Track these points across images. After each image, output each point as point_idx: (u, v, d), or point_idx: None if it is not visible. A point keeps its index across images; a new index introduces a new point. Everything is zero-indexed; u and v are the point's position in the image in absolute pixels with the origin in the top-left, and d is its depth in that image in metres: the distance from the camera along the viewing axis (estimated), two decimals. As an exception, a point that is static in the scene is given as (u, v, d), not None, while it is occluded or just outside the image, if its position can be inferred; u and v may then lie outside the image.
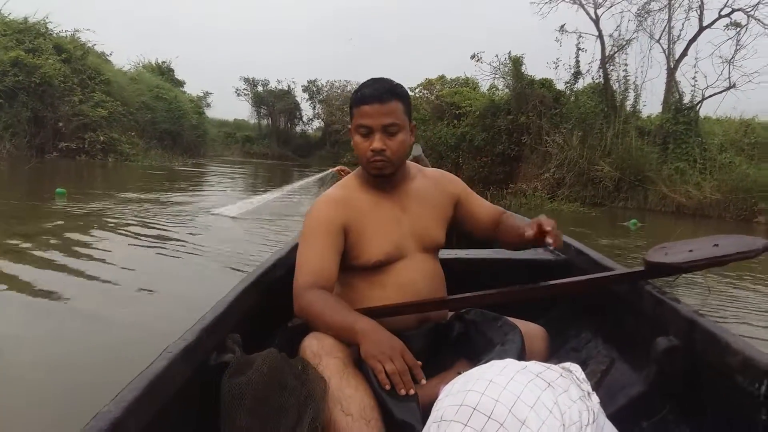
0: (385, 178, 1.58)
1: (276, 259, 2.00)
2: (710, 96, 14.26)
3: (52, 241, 4.07)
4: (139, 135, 17.06)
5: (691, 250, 1.50)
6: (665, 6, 14.97)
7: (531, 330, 1.62)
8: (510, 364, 0.87)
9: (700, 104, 14.31)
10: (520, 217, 1.89)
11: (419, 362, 1.29)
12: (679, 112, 14.14)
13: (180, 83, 27.69)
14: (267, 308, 1.80)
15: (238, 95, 36.93)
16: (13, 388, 1.96)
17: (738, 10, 14.25)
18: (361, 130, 1.50)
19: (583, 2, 15.23)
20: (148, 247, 4.34)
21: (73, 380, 2.01)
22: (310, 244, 1.51)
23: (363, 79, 1.57)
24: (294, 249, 2.16)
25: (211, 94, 35.63)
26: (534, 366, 0.88)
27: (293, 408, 1.18)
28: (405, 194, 1.64)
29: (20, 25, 15.07)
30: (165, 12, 78.42)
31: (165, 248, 4.34)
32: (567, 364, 0.93)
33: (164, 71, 26.42)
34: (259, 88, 36.80)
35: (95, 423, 0.88)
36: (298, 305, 1.46)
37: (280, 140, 36.17)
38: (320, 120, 36.89)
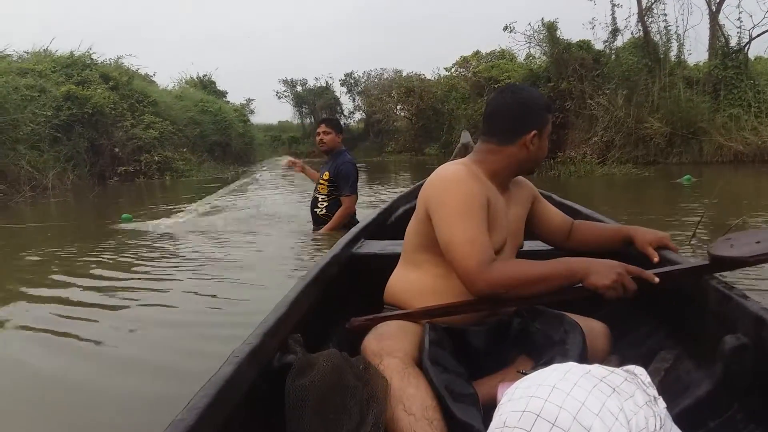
0: (512, 177, 1.70)
1: (331, 256, 2.03)
2: (758, 35, 13.58)
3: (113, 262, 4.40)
4: (191, 150, 17.70)
5: (758, 242, 1.48)
6: (702, -53, 14.31)
7: (592, 327, 1.61)
8: (573, 368, 0.85)
9: (748, 45, 13.67)
10: (594, 222, 2.00)
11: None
12: (727, 56, 13.56)
13: (222, 94, 28.38)
14: (325, 307, 1.83)
15: (279, 98, 37.59)
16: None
17: (780, -60, 13.46)
18: (552, 135, 1.71)
19: (615, -47, 14.68)
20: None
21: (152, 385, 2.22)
22: (472, 218, 1.45)
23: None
24: (349, 246, 2.30)
25: (253, 100, 36.41)
26: (598, 370, 0.86)
27: (356, 408, 1.20)
28: (509, 194, 1.70)
29: (67, 59, 15.86)
30: (197, 27, 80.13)
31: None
32: (631, 367, 0.91)
33: (206, 84, 27.16)
34: (299, 88, 37.29)
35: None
36: (487, 281, 1.38)
37: (325, 137, 36.54)
38: (361, 111, 37.07)
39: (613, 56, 14.86)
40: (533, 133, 1.59)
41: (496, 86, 17.96)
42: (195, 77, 27.44)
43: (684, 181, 8.49)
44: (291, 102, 37.60)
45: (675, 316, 1.75)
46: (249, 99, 36.02)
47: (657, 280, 1.40)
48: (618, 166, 12.09)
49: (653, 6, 14.36)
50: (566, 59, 15.04)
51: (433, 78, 27.34)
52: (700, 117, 12.78)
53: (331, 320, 1.84)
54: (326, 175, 4.85)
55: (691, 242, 4.00)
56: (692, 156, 12.67)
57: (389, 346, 1.38)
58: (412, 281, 1.63)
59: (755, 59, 14.67)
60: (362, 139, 35.66)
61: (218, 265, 4.11)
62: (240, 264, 4.14)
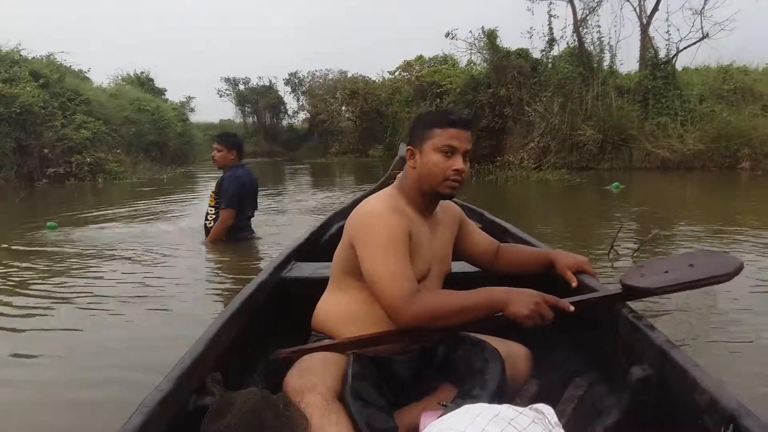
0: (438, 201, 1.67)
1: (258, 282, 1.96)
2: (685, 48, 14.40)
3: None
4: (126, 151, 17.09)
5: (666, 271, 1.55)
6: (633, -38, 14.98)
7: (514, 350, 1.65)
8: (483, 411, 0.88)
9: (675, 57, 14.45)
10: (519, 245, 2.05)
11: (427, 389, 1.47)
12: (656, 67, 14.24)
13: (161, 92, 27.59)
14: (252, 337, 1.77)
15: (221, 96, 36.87)
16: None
17: (705, -43, 14.27)
18: (445, 149, 1.56)
19: (552, -32, 15.17)
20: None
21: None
22: (393, 252, 1.47)
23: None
24: (278, 269, 2.20)
25: (193, 98, 35.48)
26: (506, 412, 0.89)
27: (275, 449, 1.15)
28: (435, 218, 1.71)
29: (-7, 55, 15.06)
30: (139, 21, 77.53)
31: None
32: (540, 406, 0.94)
33: (144, 82, 26.31)
34: (241, 87, 36.68)
35: None
36: (411, 314, 1.41)
37: (268, 136, 36.14)
38: (305, 112, 36.84)
39: (550, 65, 15.33)
40: (410, 149, 1.63)
41: (438, 91, 18.30)
42: (132, 74, 26.56)
43: (613, 189, 8.86)
44: (233, 101, 36.95)
45: (592, 340, 1.78)
46: (189, 97, 35.05)
47: (572, 308, 1.46)
48: (553, 171, 12.47)
49: (588, 18, 14.92)
50: (505, 66, 15.41)
51: (378, 80, 27.50)
52: (630, 125, 13.36)
53: (260, 350, 1.79)
54: (215, 189, 4.98)
55: (610, 255, 4.16)
56: (622, 162, 13.22)
57: (311, 381, 1.38)
58: (339, 308, 1.64)
59: (682, 70, 15.47)
60: (306, 140, 35.47)
61: (138, 286, 3.82)
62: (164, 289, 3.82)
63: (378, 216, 1.53)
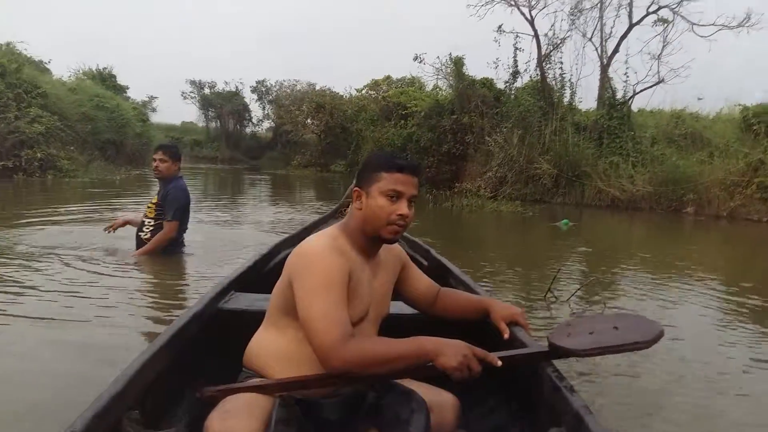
0: (381, 244, 1.68)
1: (192, 313, 1.91)
2: (641, 91, 14.90)
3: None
4: (80, 148, 16.66)
5: (592, 332, 1.60)
6: (596, 4, 15.54)
7: (442, 399, 1.66)
8: None
9: (631, 99, 14.92)
10: (458, 291, 2.08)
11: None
12: (613, 107, 14.68)
13: (123, 89, 27.06)
14: (181, 371, 1.72)
15: (185, 98, 36.39)
16: None
17: (664, 6, 14.94)
18: (391, 193, 1.59)
19: (518, 3, 15.61)
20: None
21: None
22: (330, 294, 1.47)
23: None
24: (216, 299, 2.14)
25: (156, 98, 34.96)
26: None
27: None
28: (377, 260, 1.72)
29: (-52, 42, 14.54)
30: (108, 14, 75.92)
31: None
32: None
33: (106, 78, 25.77)
34: (206, 91, 36.32)
35: None
36: (341, 359, 1.41)
37: (230, 142, 35.79)
38: (270, 121, 36.66)
39: (513, 96, 15.67)
40: (357, 191, 1.65)
41: (403, 112, 18.48)
42: (94, 69, 25.98)
43: (562, 225, 9.08)
44: (197, 104, 36.50)
45: (519, 395, 1.81)
46: (152, 96, 34.59)
47: (500, 363, 1.50)
48: (508, 202, 12.71)
49: (551, 54, 15.36)
50: (470, 94, 15.69)
51: (345, 96, 27.59)
52: (585, 162, 13.70)
53: (191, 386, 1.72)
54: (155, 200, 4.87)
55: (547, 298, 4.26)
56: (575, 198, 13.54)
57: (232, 426, 1.35)
58: (272, 346, 1.63)
59: (638, 111, 16.01)
60: (269, 149, 35.27)
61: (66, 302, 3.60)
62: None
63: (319, 256, 1.53)
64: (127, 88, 27.65)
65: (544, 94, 15.09)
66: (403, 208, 1.59)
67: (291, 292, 1.55)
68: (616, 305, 4.29)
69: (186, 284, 4.23)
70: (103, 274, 4.28)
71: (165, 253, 4.80)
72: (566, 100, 15.45)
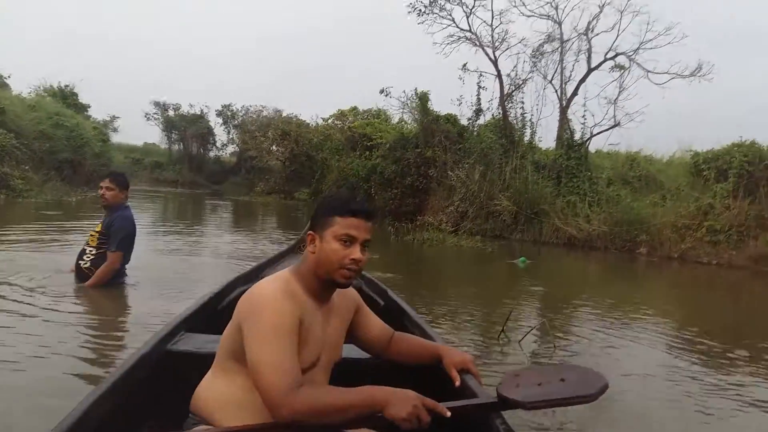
0: (334, 288, 1.66)
1: (139, 356, 1.85)
2: (598, 133, 15.43)
3: None
4: (36, 167, 16.23)
5: (540, 384, 1.63)
6: (557, 49, 16.13)
7: None
8: None
9: (588, 141, 15.43)
10: (411, 336, 2.06)
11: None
12: (571, 148, 15.14)
13: (84, 107, 26.60)
14: (127, 417, 1.68)
15: (148, 119, 35.94)
16: None
17: (621, 53, 15.58)
18: (344, 238, 1.58)
19: (482, 44, 16.09)
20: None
21: None
22: (280, 342, 1.45)
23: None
24: (165, 340, 2.07)
25: (118, 118, 34.45)
26: None
27: None
28: (330, 305, 1.71)
29: None
30: (71, 29, 74.80)
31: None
32: None
33: (67, 95, 25.33)
34: (171, 113, 35.97)
35: None
36: (290, 409, 1.39)
37: (193, 166, 35.37)
38: (235, 145, 36.44)
39: (475, 133, 16.02)
40: (311, 234, 1.65)
41: (368, 144, 18.65)
42: (56, 87, 25.52)
43: (519, 263, 9.23)
44: (161, 125, 36.07)
45: None
46: (113, 116, 34.05)
47: (449, 414, 1.50)
48: (468, 237, 12.87)
49: (513, 93, 15.82)
50: (434, 130, 15.97)
51: (311, 124, 27.70)
52: (543, 200, 14.02)
53: None
54: (99, 228, 4.75)
55: (500, 339, 4.32)
56: (533, 235, 13.80)
57: None
58: (219, 391, 1.60)
59: (595, 152, 16.56)
60: (233, 174, 34.98)
61: None
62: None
63: (269, 301, 1.51)
64: (89, 107, 27.23)
65: (506, 132, 15.48)
66: (356, 252, 1.59)
67: (240, 337, 1.53)
68: (568, 347, 4.37)
69: (134, 321, 4.00)
70: (41, 306, 4.02)
71: (105, 284, 4.63)
72: (527, 138, 15.93)
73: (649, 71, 15.45)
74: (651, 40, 15.26)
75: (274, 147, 29.08)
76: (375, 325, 1.94)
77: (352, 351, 1.98)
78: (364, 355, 2.00)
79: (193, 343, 2.14)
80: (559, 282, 8.71)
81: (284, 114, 31.19)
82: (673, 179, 14.09)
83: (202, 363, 1.72)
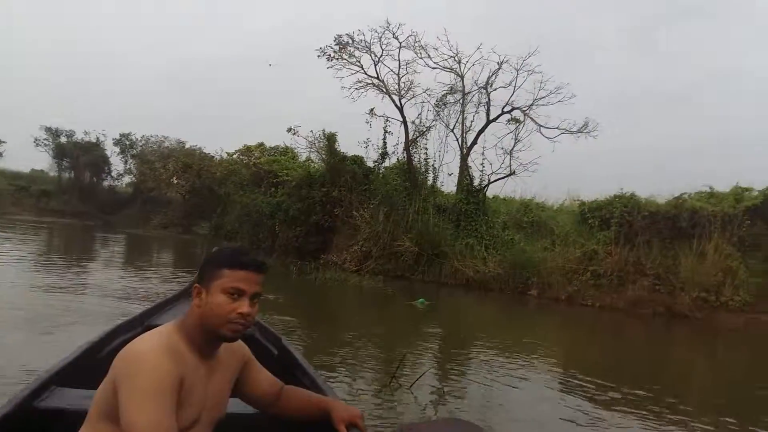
0: (220, 343, 1.60)
1: (2, 416, 1.70)
2: (495, 180, 16.26)
3: None
4: None
5: None
6: (459, 100, 16.95)
7: None
8: None
9: (486, 187, 16.20)
10: (301, 390, 2.01)
11: None
12: (470, 193, 15.85)
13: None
14: None
15: (38, 145, 33.63)
16: None
17: (517, 108, 16.61)
18: (232, 291, 1.53)
19: (389, 91, 16.60)
20: None
21: None
22: (157, 402, 1.38)
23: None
24: (32, 396, 1.87)
25: (3, 142, 32.09)
26: None
27: None
28: (215, 362, 1.64)
29: None
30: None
31: None
32: None
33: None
34: (63, 139, 33.90)
35: None
36: None
37: (84, 195, 33.34)
38: (132, 176, 34.85)
39: (381, 175, 16.39)
40: (197, 287, 1.60)
41: (274, 180, 18.52)
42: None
43: (418, 304, 9.43)
44: (51, 152, 33.86)
45: None
46: (-1, 141, 31.68)
47: None
48: (371, 277, 13.02)
49: (417, 139, 16.38)
50: (340, 170, 16.18)
51: (216, 157, 27.08)
52: (444, 241, 14.52)
53: None
54: None
55: (391, 385, 4.38)
56: (434, 275, 14.19)
57: None
58: None
59: (492, 198, 17.36)
60: (128, 206, 33.31)
61: None
62: None
63: (146, 359, 1.43)
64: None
65: (410, 175, 15.96)
66: (244, 306, 1.54)
67: (115, 396, 1.45)
68: (459, 391, 4.51)
69: None
70: None
71: None
72: (430, 182, 16.47)
73: (541, 125, 16.54)
74: (543, 97, 16.41)
75: (174, 179, 28.11)
76: (263, 379, 1.88)
77: (238, 405, 1.90)
78: (250, 410, 1.92)
79: (65, 399, 1.95)
80: (456, 324, 8.97)
81: (187, 146, 30.38)
82: (562, 226, 15.03)
83: (75, 421, 1.58)
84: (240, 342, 1.78)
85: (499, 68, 16.64)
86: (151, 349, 1.47)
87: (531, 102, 16.47)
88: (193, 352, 1.57)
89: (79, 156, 33.26)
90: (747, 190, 12.58)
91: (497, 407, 4.22)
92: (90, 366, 2.39)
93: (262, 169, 20.23)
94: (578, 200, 15.59)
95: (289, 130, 18.02)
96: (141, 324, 3.16)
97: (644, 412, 4.38)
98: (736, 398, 5.54)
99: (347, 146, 17.23)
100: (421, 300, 9.55)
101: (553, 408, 4.26)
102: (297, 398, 1.96)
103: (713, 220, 11.90)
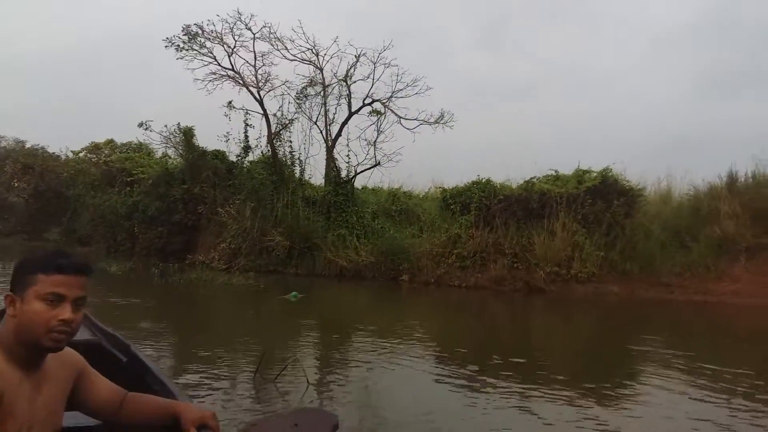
0: (45, 354, 1.48)
1: None
2: (361, 171, 16.42)
3: None
4: None
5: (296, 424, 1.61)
6: (320, 92, 16.88)
7: None
8: None
9: (353, 178, 16.35)
10: (147, 396, 1.90)
11: None
12: (338, 185, 15.92)
13: None
14: None
15: None
16: None
17: (377, 100, 16.88)
18: (50, 297, 1.41)
19: (246, 83, 16.13)
20: None
21: None
22: None
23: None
24: None
25: None
26: None
27: None
28: (42, 373, 1.52)
29: None
30: None
31: None
32: None
33: None
34: None
35: None
36: None
37: None
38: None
39: (245, 170, 15.94)
40: (10, 296, 1.48)
41: (129, 179, 17.34)
42: None
43: (291, 298, 9.32)
44: None
45: None
46: None
47: None
48: (241, 274, 12.66)
49: (281, 132, 16.13)
50: (201, 165, 15.53)
51: (61, 157, 24.80)
52: (315, 234, 14.49)
53: None
54: None
55: (255, 379, 4.31)
56: (307, 268, 14.12)
57: None
58: None
59: (361, 189, 17.55)
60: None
61: None
62: None
63: None
64: None
65: (276, 168, 15.69)
66: (65, 312, 1.45)
67: None
68: (324, 380, 4.53)
69: None
70: None
71: None
72: (297, 175, 16.27)
73: (401, 117, 16.93)
74: (401, 90, 16.80)
75: (15, 182, 25.38)
76: (102, 388, 1.78)
77: (78, 418, 1.81)
78: (92, 421, 1.84)
79: None
80: (329, 314, 9.00)
81: (28, 145, 27.49)
82: (428, 213, 15.59)
83: None
84: (71, 351, 1.69)
85: (357, 61, 16.76)
86: None
87: (390, 94, 16.79)
88: (12, 365, 1.45)
89: None
90: (587, 172, 13.78)
91: (369, 390, 4.28)
92: None
93: (113, 167, 18.86)
94: (441, 187, 16.22)
95: (141, 125, 16.95)
96: None
97: (515, 374, 4.70)
98: (589, 358, 6.11)
99: (207, 141, 16.58)
100: (294, 294, 9.43)
101: (429, 385, 4.40)
102: (142, 405, 1.85)
103: (560, 200, 12.95)
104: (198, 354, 5.03)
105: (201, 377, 4.33)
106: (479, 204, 13.71)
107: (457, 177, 18.08)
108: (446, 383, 4.48)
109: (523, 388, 4.39)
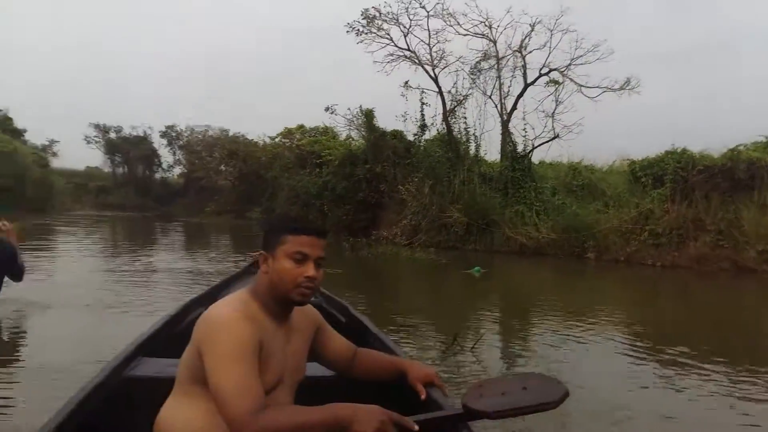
0: (292, 307, 1.64)
1: (94, 385, 1.78)
2: (539, 145, 15.89)
3: None
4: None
5: (503, 393, 1.68)
6: (493, 66, 16.58)
7: None
8: None
9: (531, 152, 15.86)
10: (375, 352, 2.08)
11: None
12: (515, 160, 15.56)
13: (20, 133, 25.66)
14: None
15: (89, 143, 34.89)
16: None
17: (555, 69, 16.17)
18: (297, 256, 1.57)
19: (422, 62, 16.40)
20: None
21: None
22: (241, 365, 1.44)
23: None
24: (121, 367, 1.99)
25: (57, 142, 33.33)
26: None
27: None
28: (290, 326, 1.68)
29: None
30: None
31: None
32: None
33: (1, 121, 24.40)
34: (112, 135, 35.02)
35: None
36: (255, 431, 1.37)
37: (139, 189, 34.49)
38: (182, 166, 35.75)
39: (422, 148, 16.29)
40: (263, 254, 1.64)
41: (317, 161, 18.68)
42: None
43: (474, 272, 9.44)
44: (102, 149, 35.08)
45: None
46: (52, 140, 32.91)
47: (416, 427, 1.51)
48: (422, 250, 13.07)
49: (455, 109, 16.16)
50: (381, 145, 16.18)
51: (259, 143, 27.50)
52: (493, 210, 14.40)
53: None
54: None
55: (454, 347, 4.44)
56: (485, 245, 14.12)
57: None
58: (183, 416, 1.57)
59: (539, 163, 17.04)
60: (182, 196, 34.23)
61: None
62: None
63: (227, 324, 1.48)
64: (25, 131, 26.28)
65: (451, 146, 15.80)
66: (310, 270, 1.58)
67: (200, 360, 1.49)
68: (521, 354, 4.54)
69: (87, 347, 3.91)
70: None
71: None
72: (472, 152, 16.21)
73: (581, 86, 16.08)
74: (581, 56, 15.92)
75: (222, 167, 28.72)
76: (338, 342, 1.94)
77: (316, 369, 1.96)
78: (328, 372, 1.99)
79: (152, 368, 2.07)
80: (513, 289, 8.96)
81: (231, 133, 30.90)
82: (614, 187, 14.66)
83: (162, 388, 1.67)
84: (311, 307, 1.85)
85: (532, 30, 16.23)
86: (229, 314, 1.52)
87: (569, 62, 16.03)
88: (268, 317, 1.61)
89: (129, 151, 34.35)
90: (806, 136, 11.99)
91: (565, 365, 4.22)
92: (170, 337, 2.56)
93: (304, 150, 20.44)
94: (628, 159, 15.13)
95: (327, 109, 18.10)
96: (212, 298, 3.28)
97: (720, 369, 4.26)
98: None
99: (386, 122, 17.21)
100: (476, 268, 9.55)
101: (619, 372, 4.22)
102: (372, 360, 2.01)
103: (773, 170, 11.41)
104: (393, 320, 5.35)
105: (401, 342, 4.61)
106: (675, 176, 12.55)
107: (644, 147, 16.71)
108: (642, 366, 4.25)
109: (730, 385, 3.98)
